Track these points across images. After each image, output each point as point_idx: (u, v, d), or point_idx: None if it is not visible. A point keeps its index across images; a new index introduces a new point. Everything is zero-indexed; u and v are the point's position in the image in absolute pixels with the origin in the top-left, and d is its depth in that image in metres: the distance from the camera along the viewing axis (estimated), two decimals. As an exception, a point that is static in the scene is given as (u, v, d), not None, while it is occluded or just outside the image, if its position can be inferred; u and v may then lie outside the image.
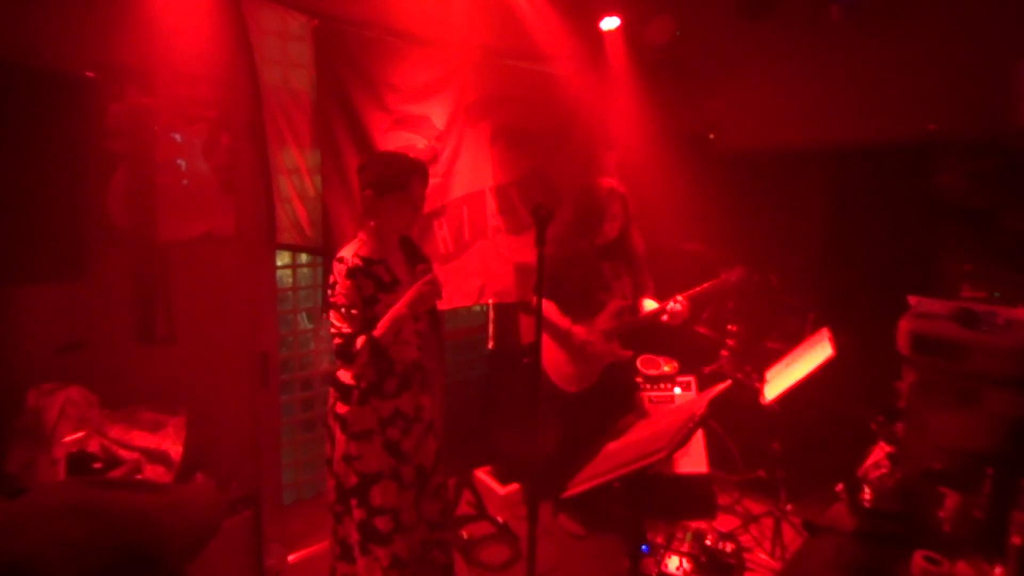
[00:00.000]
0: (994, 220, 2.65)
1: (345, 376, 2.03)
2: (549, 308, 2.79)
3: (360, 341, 1.90)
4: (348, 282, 1.93)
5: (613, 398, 2.99)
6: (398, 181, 1.98)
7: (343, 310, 1.92)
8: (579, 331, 2.80)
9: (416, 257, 2.14)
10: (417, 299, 1.93)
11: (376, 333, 1.90)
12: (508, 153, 3.33)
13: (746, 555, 2.66)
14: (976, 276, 2.46)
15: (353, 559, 2.06)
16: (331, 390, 2.09)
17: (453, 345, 3.57)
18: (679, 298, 2.77)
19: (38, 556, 0.44)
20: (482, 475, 3.31)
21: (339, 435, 2.03)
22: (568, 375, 2.86)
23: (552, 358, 2.86)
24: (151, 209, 2.23)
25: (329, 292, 1.97)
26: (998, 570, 1.36)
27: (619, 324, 2.88)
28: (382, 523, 2.01)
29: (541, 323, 1.99)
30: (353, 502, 2.02)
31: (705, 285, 2.80)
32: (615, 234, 2.86)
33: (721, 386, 1.80)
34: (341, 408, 2.02)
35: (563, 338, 2.82)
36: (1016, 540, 1.35)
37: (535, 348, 1.95)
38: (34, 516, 0.47)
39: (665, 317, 2.79)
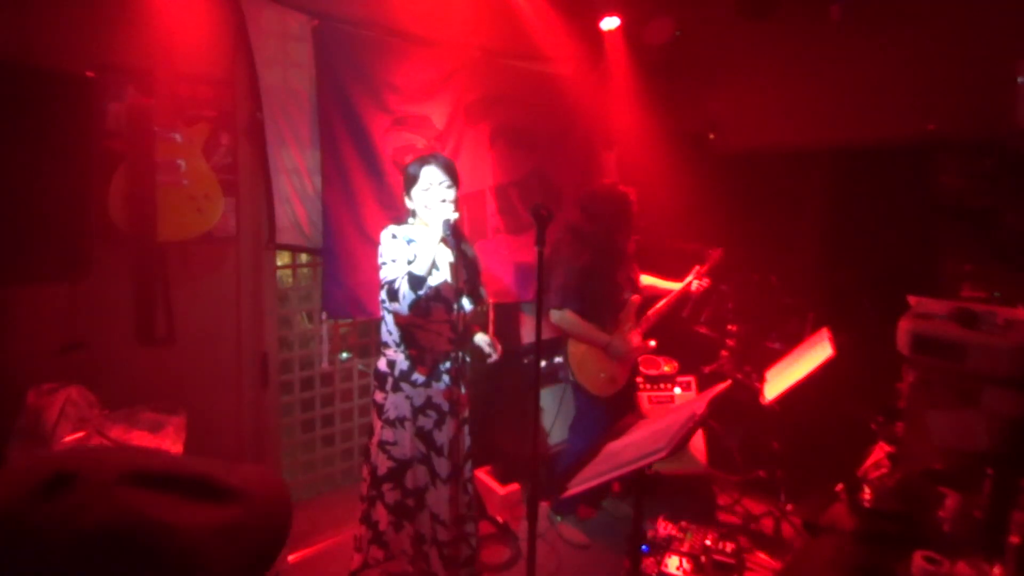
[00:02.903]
0: (994, 220, 2.65)
1: (382, 364, 2.17)
2: (579, 322, 2.82)
3: (400, 280, 1.97)
4: (388, 242, 2.09)
5: (628, 393, 3.07)
6: (409, 173, 2.15)
7: (387, 263, 2.05)
8: (620, 341, 2.84)
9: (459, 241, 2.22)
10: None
11: (413, 268, 1.97)
12: (508, 153, 3.33)
13: (746, 555, 2.66)
14: (976, 276, 2.46)
15: (385, 543, 2.15)
16: (373, 380, 2.24)
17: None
18: (698, 270, 3.09)
19: None
20: (482, 475, 3.31)
21: (376, 421, 2.17)
22: (603, 382, 2.92)
23: (585, 370, 2.91)
24: (151, 209, 2.23)
25: (380, 264, 2.08)
26: (997, 569, 1.36)
27: (650, 321, 3.00)
28: (413, 502, 2.16)
29: (541, 324, 1.99)
30: (387, 487, 2.13)
31: (707, 265, 3.11)
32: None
33: (721, 386, 1.80)
34: (378, 396, 2.17)
35: (601, 349, 2.85)
36: (1015, 539, 1.35)
37: (536, 348, 1.96)
38: (60, 544, 0.40)
39: (696, 288, 3.08)
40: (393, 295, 1.96)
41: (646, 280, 3.15)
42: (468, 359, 2.29)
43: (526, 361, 3.30)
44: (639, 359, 3.15)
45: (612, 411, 2.96)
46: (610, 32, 3.47)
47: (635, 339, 2.91)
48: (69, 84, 2.04)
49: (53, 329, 2.09)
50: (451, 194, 2.11)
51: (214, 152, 2.41)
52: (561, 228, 2.93)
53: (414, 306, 1.95)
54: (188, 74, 2.31)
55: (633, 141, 3.75)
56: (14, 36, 1.94)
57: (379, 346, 2.24)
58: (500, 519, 2.99)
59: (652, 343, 2.99)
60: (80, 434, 1.92)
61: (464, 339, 2.27)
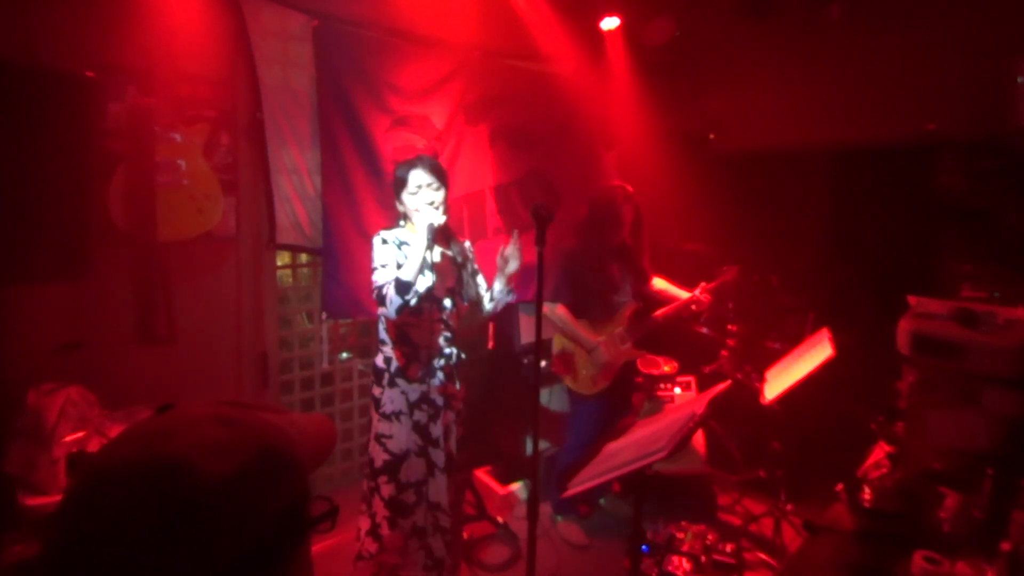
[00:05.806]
0: (994, 220, 2.64)
1: (379, 360, 2.21)
2: (569, 319, 2.86)
3: (388, 286, 1.99)
4: (379, 247, 2.11)
5: (624, 394, 3.06)
6: (398, 176, 2.15)
7: (377, 268, 2.07)
8: (605, 347, 2.86)
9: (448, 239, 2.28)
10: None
11: (400, 274, 1.98)
12: (508, 153, 3.33)
13: (746, 555, 2.66)
14: (976, 276, 2.46)
15: (380, 536, 2.18)
16: (371, 374, 2.29)
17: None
18: (703, 287, 3.04)
19: (192, 454, 0.50)
20: (482, 475, 3.31)
21: (373, 415, 2.22)
22: (584, 379, 2.92)
23: (567, 365, 2.94)
24: (151, 209, 2.23)
25: (372, 269, 2.10)
26: (990, 573, 1.36)
27: (644, 326, 2.96)
28: (408, 496, 2.19)
29: (541, 324, 1.99)
30: (383, 479, 2.17)
31: (715, 283, 3.06)
32: (626, 237, 2.92)
33: (721, 386, 1.80)
34: (375, 391, 2.21)
35: (588, 351, 2.88)
36: (1006, 546, 1.34)
37: (535, 348, 1.96)
38: (183, 424, 0.54)
39: (694, 307, 3.04)
40: (381, 300, 2.00)
41: (660, 284, 3.15)
42: (463, 356, 2.30)
43: (526, 361, 3.30)
44: (637, 361, 3.15)
45: (606, 409, 2.96)
46: (610, 32, 3.47)
47: (620, 349, 2.92)
48: (69, 84, 2.04)
49: (53, 329, 2.10)
50: (439, 196, 2.10)
51: (214, 152, 2.41)
52: (566, 225, 2.96)
53: (401, 311, 1.99)
54: (188, 74, 2.31)
55: (633, 141, 3.75)
56: (14, 36, 1.95)
57: (378, 343, 2.27)
58: (500, 519, 2.99)
59: (641, 354, 3.02)
60: (80, 434, 1.92)
61: (458, 336, 2.29)
